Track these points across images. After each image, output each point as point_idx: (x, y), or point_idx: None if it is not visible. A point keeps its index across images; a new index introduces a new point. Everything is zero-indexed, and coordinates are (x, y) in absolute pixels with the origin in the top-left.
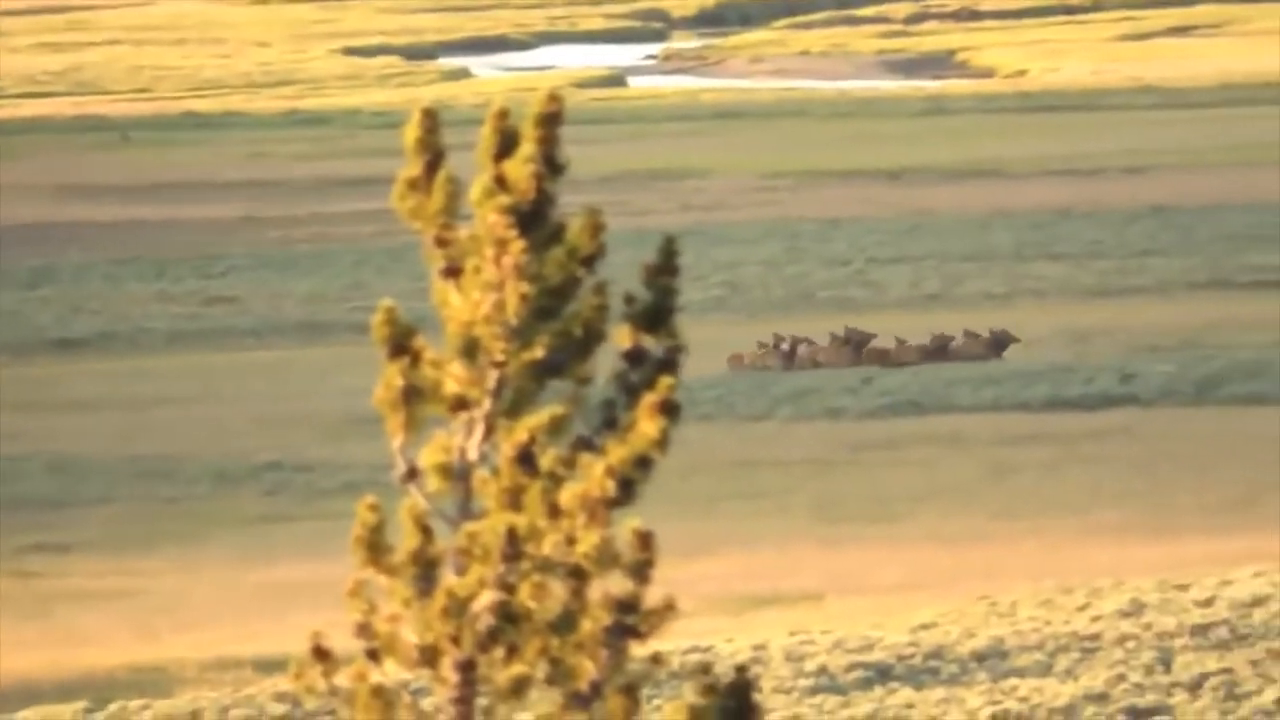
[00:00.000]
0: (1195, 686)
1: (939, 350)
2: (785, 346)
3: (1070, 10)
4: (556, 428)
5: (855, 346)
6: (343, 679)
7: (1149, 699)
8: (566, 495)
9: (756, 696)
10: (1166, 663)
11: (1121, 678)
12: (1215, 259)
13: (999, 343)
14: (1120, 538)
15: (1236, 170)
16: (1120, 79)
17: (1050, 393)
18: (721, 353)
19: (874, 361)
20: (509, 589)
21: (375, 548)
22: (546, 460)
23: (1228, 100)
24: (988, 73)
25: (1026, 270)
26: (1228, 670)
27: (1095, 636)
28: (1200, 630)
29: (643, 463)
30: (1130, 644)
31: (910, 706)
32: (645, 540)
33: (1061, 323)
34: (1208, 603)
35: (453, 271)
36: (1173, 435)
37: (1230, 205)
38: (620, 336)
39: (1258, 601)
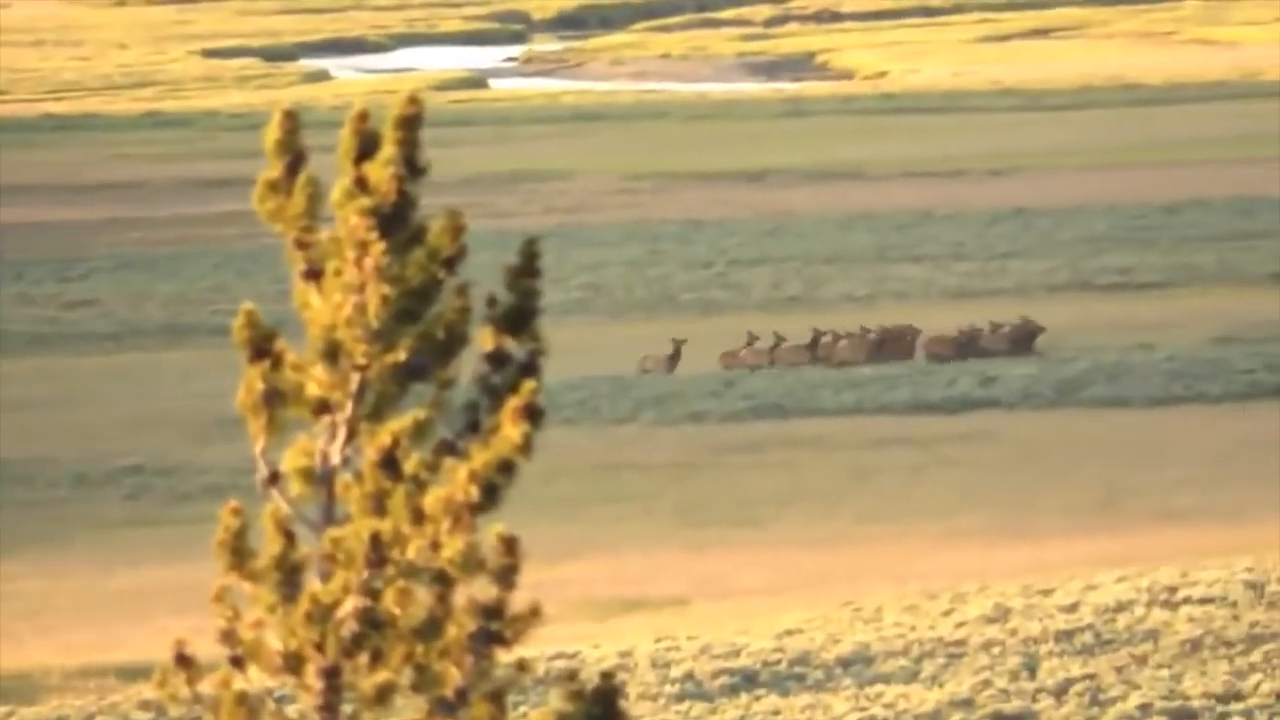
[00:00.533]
0: (1060, 692)
1: (969, 344)
2: (808, 338)
3: (930, 12)
4: (419, 431)
5: (878, 341)
6: (207, 686)
7: (1014, 705)
8: (430, 500)
9: (622, 703)
10: (1031, 668)
11: (987, 683)
12: (1076, 261)
13: (1028, 334)
14: (984, 542)
15: (1097, 172)
16: (980, 81)
17: (912, 396)
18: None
19: (898, 355)
20: (373, 595)
21: (238, 553)
22: (410, 464)
23: (1087, 102)
24: (848, 74)
25: (888, 272)
26: (1092, 676)
27: (960, 642)
28: (1065, 635)
29: (506, 467)
30: (995, 649)
31: (776, 713)
32: (510, 545)
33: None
34: (1072, 608)
35: (314, 274)
36: (1035, 438)
37: (1091, 207)
38: (483, 339)
39: (1122, 606)
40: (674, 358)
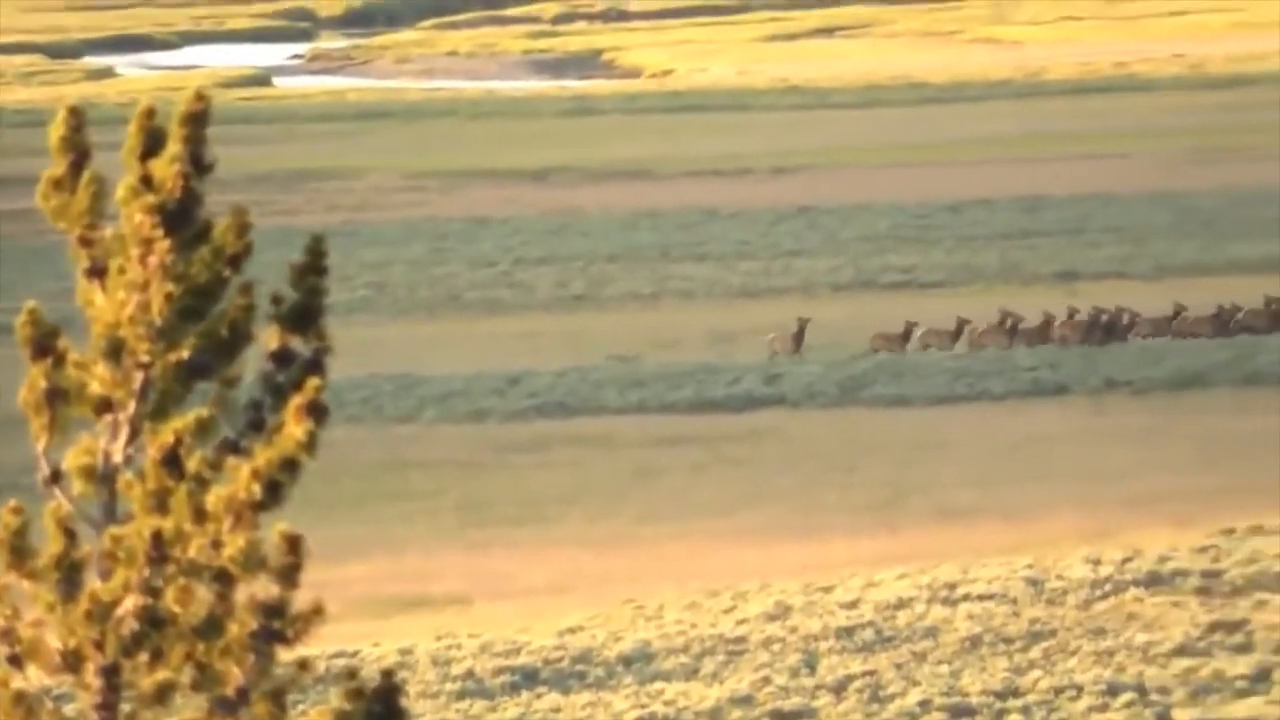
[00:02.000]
0: (840, 689)
1: (1109, 328)
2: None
3: (717, 11)
4: (203, 430)
5: (1012, 328)
6: None
7: (794, 701)
8: (213, 498)
9: (403, 701)
10: (811, 665)
11: (767, 680)
12: (859, 259)
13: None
14: (766, 540)
15: (881, 170)
16: (767, 79)
17: (696, 394)
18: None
19: (1033, 340)
20: (154, 593)
21: (18, 552)
22: (192, 463)
23: (872, 101)
24: (635, 73)
25: (673, 271)
26: (872, 672)
27: (741, 639)
28: (845, 633)
29: (290, 465)
30: (776, 646)
31: (557, 710)
32: (293, 544)
33: (708, 323)
34: (853, 605)
35: (97, 272)
36: (818, 437)
37: (875, 205)
38: (268, 337)
39: (902, 604)
40: (799, 336)
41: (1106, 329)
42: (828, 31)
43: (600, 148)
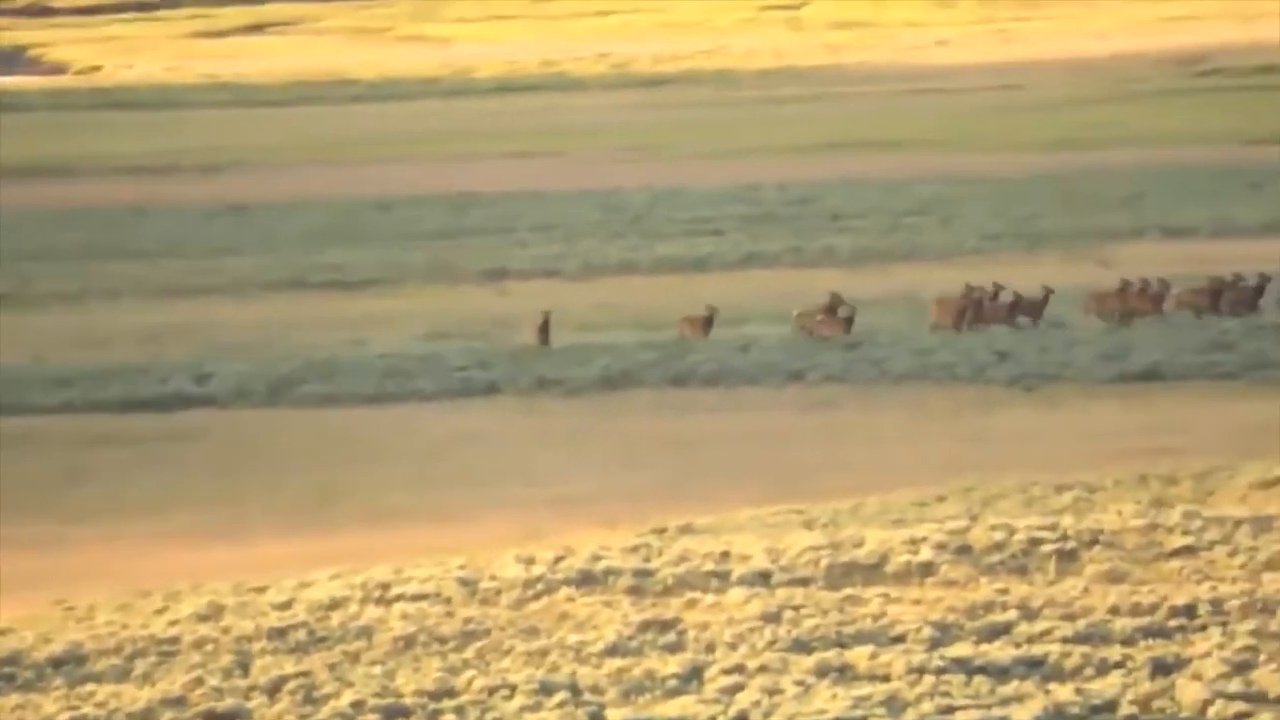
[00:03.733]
0: (273, 689)
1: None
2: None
3: (144, 7)
4: None
5: (1213, 293)
6: None
7: (227, 702)
8: None
9: None
10: (245, 666)
11: (200, 681)
12: (292, 258)
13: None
14: (197, 541)
15: (313, 167)
16: (195, 76)
17: (125, 393)
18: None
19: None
20: None
21: None
22: None
23: (303, 98)
24: (60, 69)
25: (100, 270)
26: (306, 673)
27: (174, 640)
28: (278, 633)
29: None
30: (209, 647)
31: None
32: None
33: (135, 323)
34: (286, 605)
35: None
36: (249, 436)
37: (307, 203)
38: None
39: (335, 604)
40: (849, 320)
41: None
42: (257, 28)
43: (24, 145)
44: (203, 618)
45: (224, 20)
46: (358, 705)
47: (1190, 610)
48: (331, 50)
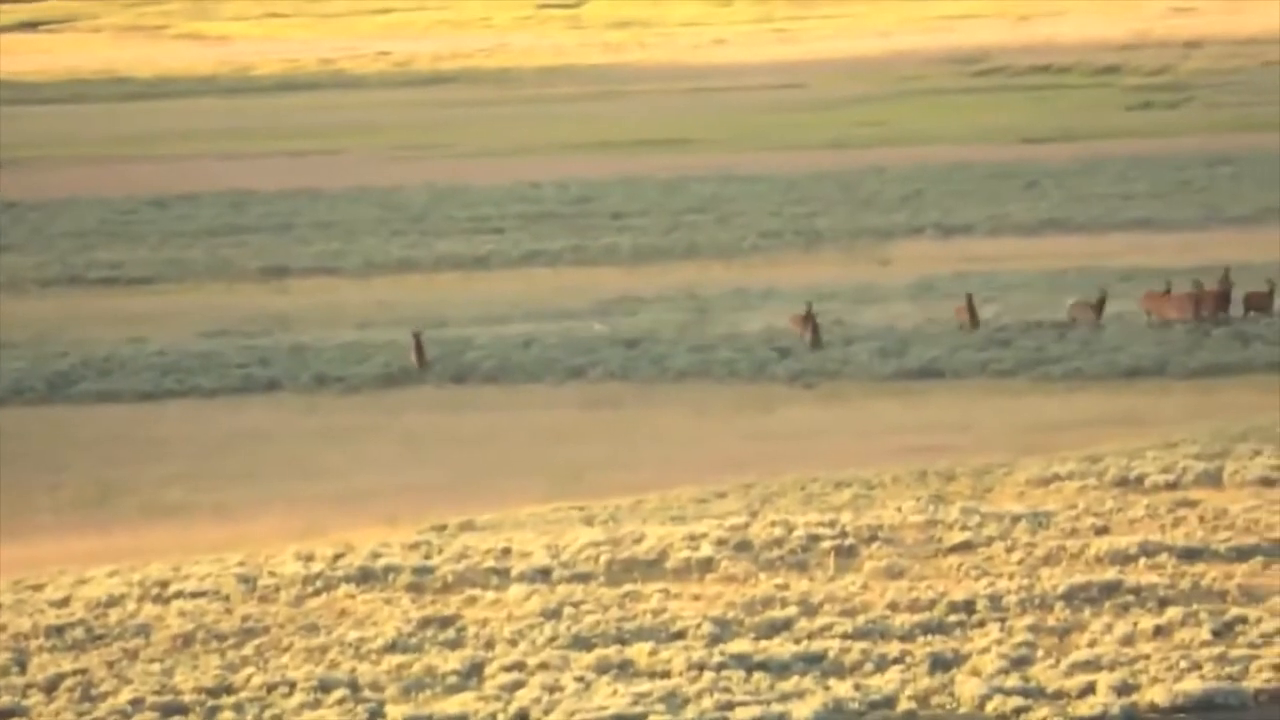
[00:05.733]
0: (51, 687)
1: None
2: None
3: None
4: None
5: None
6: None
7: (5, 700)
8: None
9: None
10: (22, 663)
11: None
12: (67, 255)
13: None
14: None
15: (87, 165)
16: None
17: None
18: None
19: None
20: None
21: None
22: None
23: (77, 95)
24: None
25: None
26: (84, 671)
27: None
28: (55, 631)
29: None
30: None
31: None
32: None
33: None
34: (63, 603)
35: None
36: (25, 434)
37: (80, 201)
38: None
39: (113, 601)
40: (1100, 306)
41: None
42: (31, 25)
43: None
44: None
45: None
46: (136, 703)
47: (968, 606)
48: (106, 47)
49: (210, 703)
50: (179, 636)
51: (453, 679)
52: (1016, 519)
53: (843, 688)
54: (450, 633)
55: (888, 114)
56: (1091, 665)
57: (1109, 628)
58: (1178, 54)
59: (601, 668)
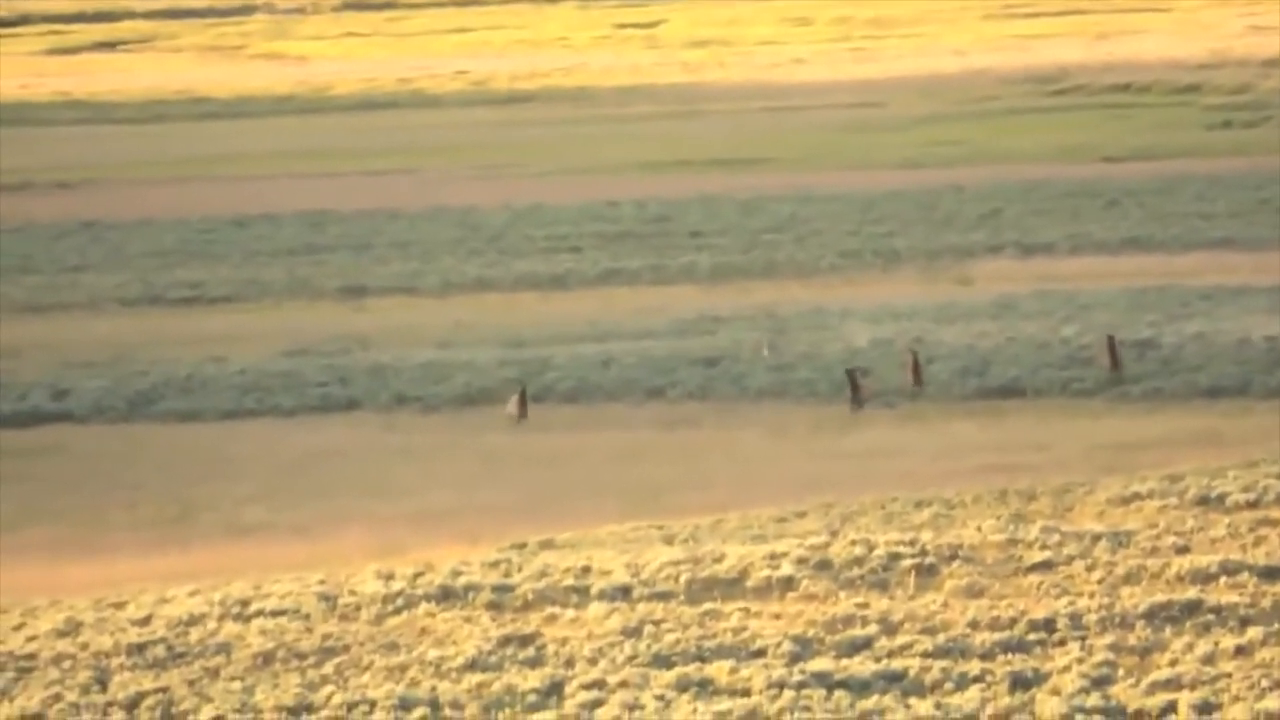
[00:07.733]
0: (132, 705)
1: None
2: None
3: None
4: None
5: None
6: None
7: (86, 718)
8: None
9: None
10: (103, 682)
11: (58, 697)
12: (148, 274)
13: None
14: (55, 557)
15: (166, 185)
16: (48, 93)
17: None
18: None
19: None
20: None
21: None
22: None
23: (157, 115)
24: None
25: None
26: (164, 689)
27: (31, 656)
28: (136, 649)
29: None
30: (66, 663)
31: None
32: None
33: None
34: (144, 621)
35: None
36: (106, 452)
37: (159, 220)
38: None
39: (194, 620)
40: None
41: None
42: (110, 45)
43: None
44: (61, 633)
45: (77, 37)
46: None
47: (1049, 625)
48: (185, 67)
49: None
50: (260, 655)
51: (533, 697)
52: (1097, 538)
53: (923, 706)
54: (530, 651)
55: (966, 133)
56: (1172, 684)
57: (1190, 647)
58: (1257, 72)
59: (682, 686)
